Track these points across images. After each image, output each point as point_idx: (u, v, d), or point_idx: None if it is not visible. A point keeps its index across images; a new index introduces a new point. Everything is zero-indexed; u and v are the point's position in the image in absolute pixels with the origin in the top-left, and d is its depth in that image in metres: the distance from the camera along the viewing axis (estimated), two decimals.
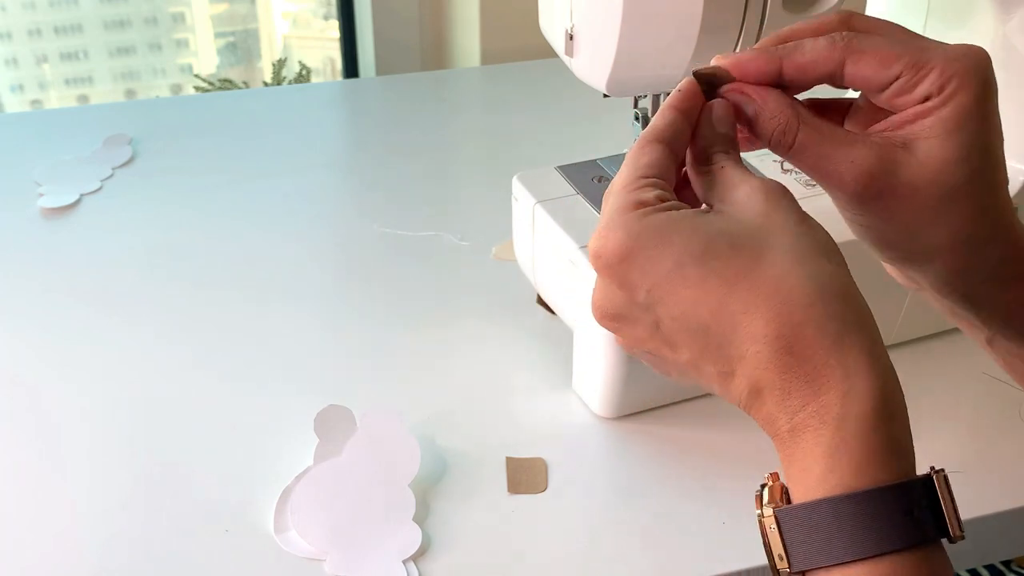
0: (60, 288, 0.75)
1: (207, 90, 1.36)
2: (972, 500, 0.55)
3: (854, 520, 0.34)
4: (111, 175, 0.90)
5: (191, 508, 0.56)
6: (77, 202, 0.86)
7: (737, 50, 0.54)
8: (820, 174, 0.42)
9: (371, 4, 1.17)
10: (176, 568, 0.53)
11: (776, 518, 0.35)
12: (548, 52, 0.62)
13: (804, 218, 0.38)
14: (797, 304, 0.36)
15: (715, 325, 0.37)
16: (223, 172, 0.90)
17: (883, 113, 0.43)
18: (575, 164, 0.66)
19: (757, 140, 0.43)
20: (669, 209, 0.39)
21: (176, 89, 1.82)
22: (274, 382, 0.65)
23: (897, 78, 0.41)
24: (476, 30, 1.15)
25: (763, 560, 0.50)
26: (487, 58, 1.16)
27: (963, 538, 0.35)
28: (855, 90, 0.43)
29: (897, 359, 0.54)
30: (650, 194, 0.40)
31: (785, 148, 0.42)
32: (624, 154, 0.67)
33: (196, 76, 1.42)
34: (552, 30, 0.59)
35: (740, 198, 0.39)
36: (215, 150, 0.94)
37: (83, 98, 1.79)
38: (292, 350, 0.68)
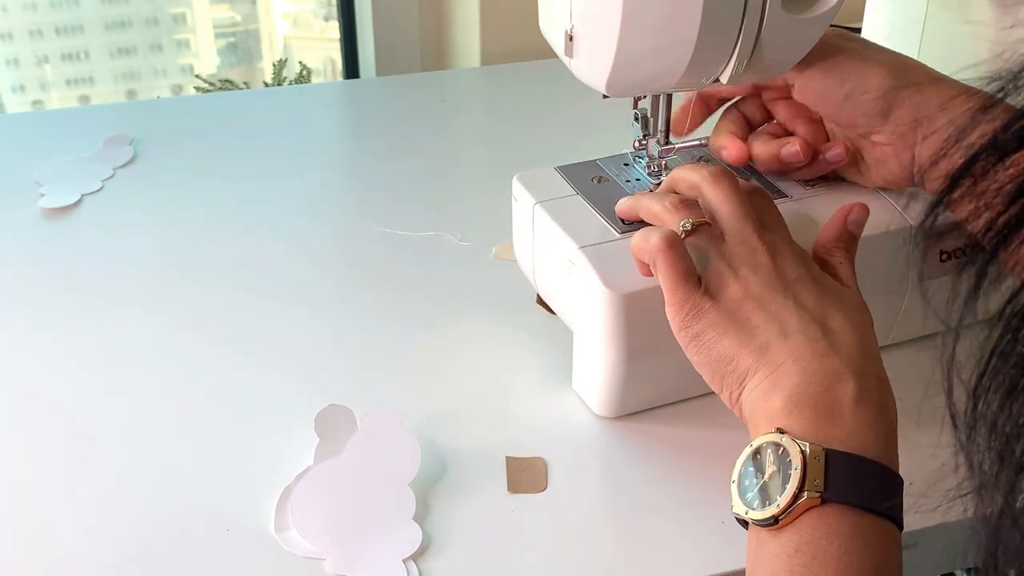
0: (61, 288, 0.75)
1: (208, 90, 1.36)
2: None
3: (881, 482, 0.45)
4: (112, 175, 0.90)
5: (191, 507, 0.56)
6: (78, 202, 0.86)
7: (736, 51, 0.55)
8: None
9: (371, 5, 1.17)
10: (176, 567, 0.53)
11: (826, 455, 0.44)
12: (548, 52, 0.62)
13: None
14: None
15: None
16: (224, 172, 0.91)
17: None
18: (575, 164, 0.66)
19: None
20: None
21: (177, 89, 1.82)
22: (274, 382, 0.66)
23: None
24: (476, 30, 1.15)
25: None
26: (487, 58, 1.16)
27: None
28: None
29: (895, 358, 0.55)
30: None
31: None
32: (624, 154, 0.67)
33: (197, 76, 1.42)
34: (552, 31, 0.59)
35: None
36: (216, 150, 0.94)
37: (84, 98, 1.79)
38: (293, 350, 0.68)
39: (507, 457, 0.59)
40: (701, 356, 0.51)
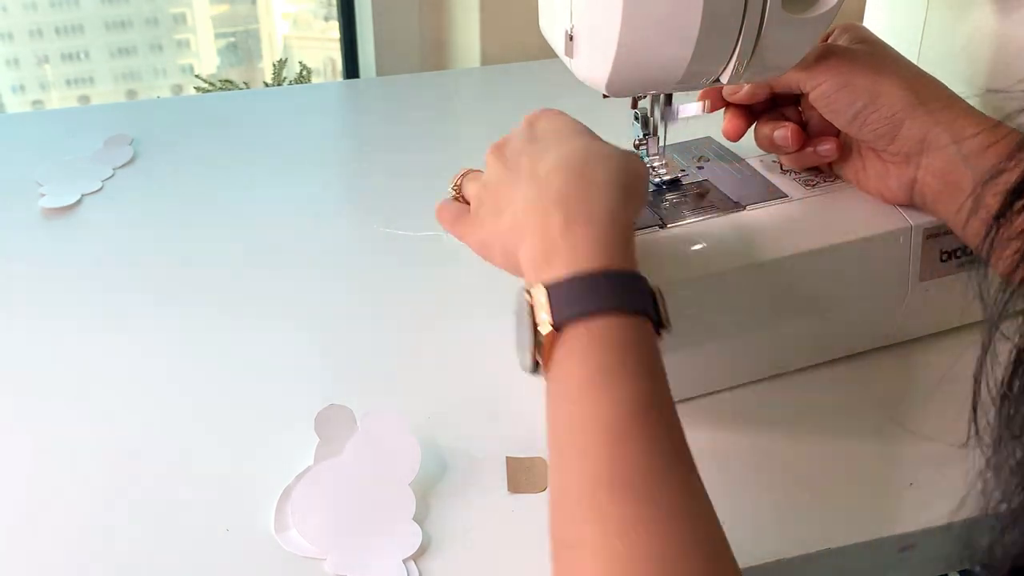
0: (60, 288, 0.75)
1: (208, 90, 1.36)
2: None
3: (605, 284, 0.47)
4: (112, 175, 0.90)
5: (191, 507, 0.56)
6: (78, 202, 0.86)
7: (736, 51, 0.54)
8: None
9: (371, 5, 1.17)
10: (176, 568, 0.53)
11: (547, 290, 0.47)
12: (548, 52, 0.62)
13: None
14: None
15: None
16: (224, 172, 0.91)
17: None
18: None
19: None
20: None
21: (177, 89, 1.82)
22: (274, 382, 0.66)
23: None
24: (476, 30, 1.15)
25: (764, 559, 0.50)
26: (487, 58, 1.16)
27: (668, 329, 0.48)
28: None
29: (896, 357, 0.54)
30: None
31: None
32: None
33: (197, 76, 1.43)
34: (552, 31, 0.59)
35: None
36: (216, 150, 0.94)
37: (84, 98, 1.79)
38: (292, 350, 0.68)
39: (507, 457, 0.59)
40: (495, 259, 0.56)
